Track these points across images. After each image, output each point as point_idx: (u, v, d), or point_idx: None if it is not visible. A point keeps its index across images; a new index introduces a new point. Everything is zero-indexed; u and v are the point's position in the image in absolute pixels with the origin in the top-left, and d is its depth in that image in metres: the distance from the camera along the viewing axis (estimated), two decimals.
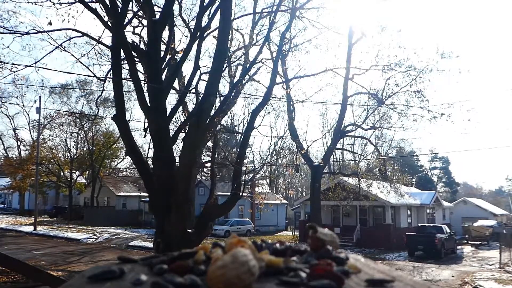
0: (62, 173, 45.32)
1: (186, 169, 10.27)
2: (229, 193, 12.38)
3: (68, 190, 46.07)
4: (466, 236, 31.45)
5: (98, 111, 36.10)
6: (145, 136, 13.12)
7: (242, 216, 36.12)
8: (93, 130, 45.08)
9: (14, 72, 13.55)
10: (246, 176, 13.09)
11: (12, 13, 15.40)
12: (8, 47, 14.12)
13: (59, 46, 14.21)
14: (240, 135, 27.63)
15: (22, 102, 47.85)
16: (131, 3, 12.63)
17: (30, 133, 49.10)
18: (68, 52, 15.13)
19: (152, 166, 10.85)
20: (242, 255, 0.55)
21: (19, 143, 49.55)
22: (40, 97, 34.55)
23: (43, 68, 13.77)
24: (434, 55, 23.14)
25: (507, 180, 75.90)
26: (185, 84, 14.69)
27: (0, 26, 13.69)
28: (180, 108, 16.02)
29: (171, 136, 11.01)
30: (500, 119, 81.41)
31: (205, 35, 13.49)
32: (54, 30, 13.97)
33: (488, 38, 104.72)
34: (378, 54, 23.12)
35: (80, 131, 45.93)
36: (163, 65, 12.18)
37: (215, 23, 13.27)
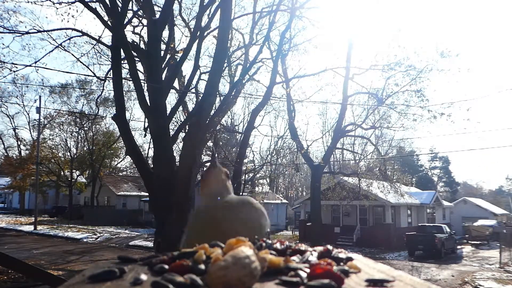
0: (62, 173, 45.33)
1: (186, 168, 10.27)
2: None
3: (68, 190, 46.10)
4: (466, 235, 31.41)
5: (98, 111, 36.24)
6: (145, 135, 13.14)
7: None
8: (93, 130, 45.09)
9: (14, 71, 13.59)
10: (246, 175, 13.10)
11: (12, 13, 15.44)
12: (8, 46, 14.19)
13: (59, 46, 14.23)
14: (240, 134, 27.62)
15: (22, 102, 48.01)
16: (131, 2, 12.65)
17: (30, 133, 49.15)
18: (68, 52, 15.16)
19: (152, 165, 10.85)
20: (244, 256, 0.54)
21: (19, 143, 49.62)
22: (40, 96, 34.54)
23: (43, 67, 13.82)
24: (434, 54, 23.07)
25: (507, 180, 75.88)
26: (185, 84, 14.69)
27: (0, 26, 13.71)
28: (180, 108, 16.02)
29: (171, 135, 11.02)
30: (500, 119, 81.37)
31: (205, 34, 13.50)
32: (54, 30, 14.03)
33: (488, 37, 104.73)
34: (378, 53, 23.13)
35: (80, 131, 45.95)
36: (163, 65, 12.18)
37: (215, 22, 13.30)
